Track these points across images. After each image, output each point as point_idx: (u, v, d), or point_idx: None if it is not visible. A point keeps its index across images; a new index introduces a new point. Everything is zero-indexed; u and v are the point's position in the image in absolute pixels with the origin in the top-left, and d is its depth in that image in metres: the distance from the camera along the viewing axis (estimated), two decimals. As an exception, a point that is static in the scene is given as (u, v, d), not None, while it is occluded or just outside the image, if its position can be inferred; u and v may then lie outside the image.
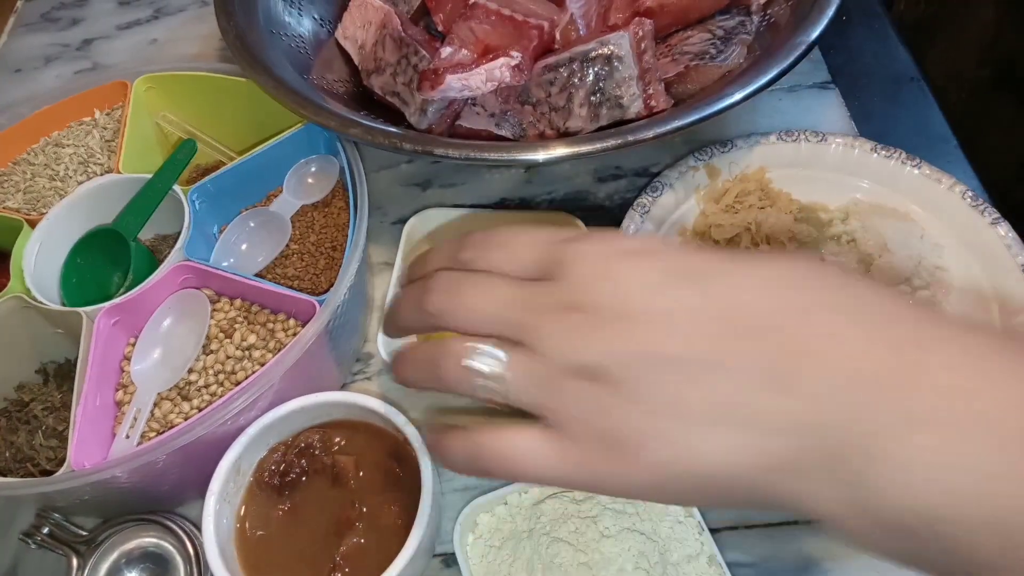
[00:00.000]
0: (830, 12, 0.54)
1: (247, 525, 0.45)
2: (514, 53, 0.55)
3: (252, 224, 0.59)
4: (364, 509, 0.45)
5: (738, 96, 0.50)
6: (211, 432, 0.44)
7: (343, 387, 0.57)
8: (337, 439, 0.47)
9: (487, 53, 0.55)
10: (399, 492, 0.45)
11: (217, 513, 0.43)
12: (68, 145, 0.62)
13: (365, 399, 0.46)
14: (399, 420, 0.45)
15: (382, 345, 0.53)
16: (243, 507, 0.46)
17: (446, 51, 0.56)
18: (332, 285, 0.49)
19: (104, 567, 0.48)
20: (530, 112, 0.58)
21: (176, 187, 0.56)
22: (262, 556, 0.45)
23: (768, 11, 0.61)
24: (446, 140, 0.51)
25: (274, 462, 0.47)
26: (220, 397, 0.48)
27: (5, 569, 0.51)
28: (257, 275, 0.56)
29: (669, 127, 0.49)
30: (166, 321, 0.52)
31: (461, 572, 0.45)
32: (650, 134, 0.49)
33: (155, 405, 0.50)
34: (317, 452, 0.46)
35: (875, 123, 0.66)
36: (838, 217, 0.56)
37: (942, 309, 0.52)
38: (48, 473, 0.46)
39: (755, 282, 0.27)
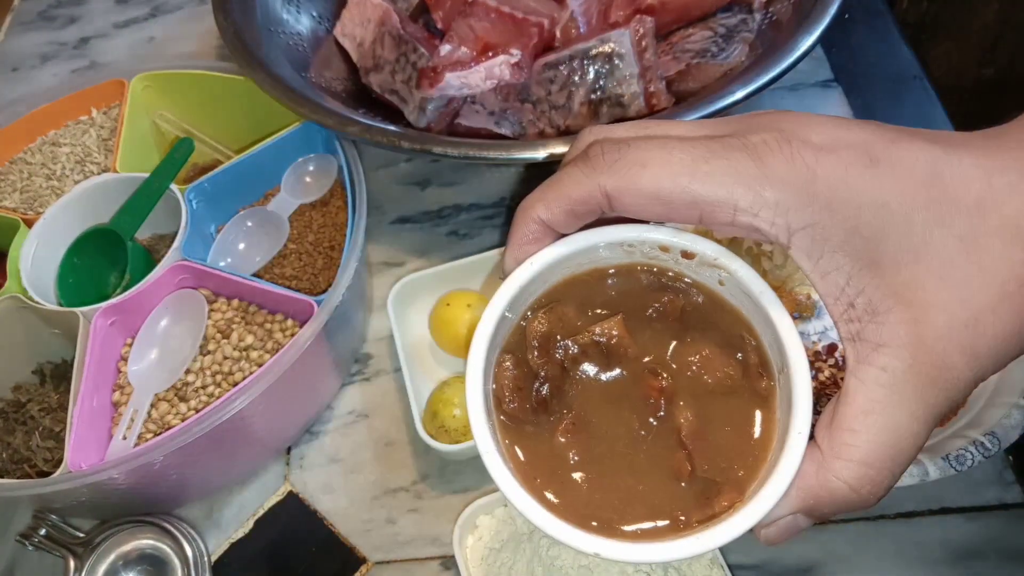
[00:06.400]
0: (833, 10, 0.53)
1: (534, 477, 0.29)
2: (514, 51, 0.54)
3: (250, 223, 0.59)
4: (667, 374, 0.30)
5: (740, 94, 0.50)
6: (208, 434, 0.44)
7: (340, 388, 0.57)
8: (567, 307, 0.32)
9: (487, 51, 0.55)
10: (697, 331, 0.31)
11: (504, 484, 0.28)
12: (65, 144, 0.62)
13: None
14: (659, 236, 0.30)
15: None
16: (513, 456, 0.30)
17: (445, 49, 0.56)
18: (330, 285, 0.49)
19: (101, 569, 0.48)
20: (530, 110, 0.57)
21: (173, 186, 0.56)
22: (580, 491, 0.29)
23: (770, 9, 0.60)
24: (445, 138, 0.51)
25: (511, 381, 0.31)
26: (218, 398, 0.48)
27: (2, 570, 0.51)
28: (255, 275, 0.56)
29: (670, 126, 0.49)
30: (163, 321, 0.52)
31: (460, 575, 0.45)
32: (651, 133, 0.49)
33: (152, 406, 0.49)
34: (559, 339, 0.31)
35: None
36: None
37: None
38: (45, 474, 0.45)
39: None
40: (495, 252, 0.56)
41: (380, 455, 0.54)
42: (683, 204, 0.26)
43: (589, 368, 0.31)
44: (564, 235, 0.30)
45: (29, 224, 0.54)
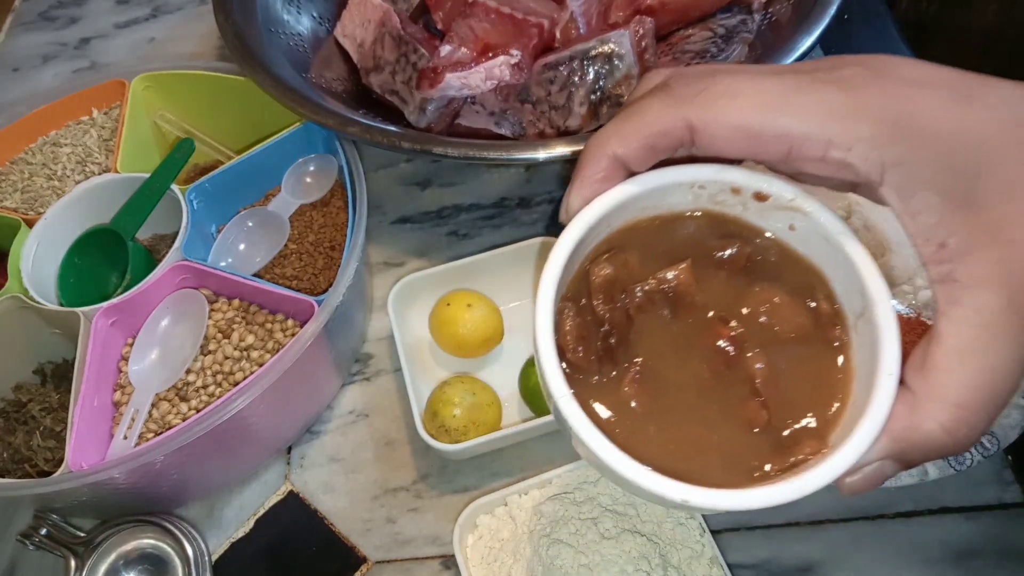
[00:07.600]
0: (832, 10, 0.54)
1: (607, 423, 0.28)
2: (514, 51, 0.54)
3: (250, 223, 0.59)
4: (736, 323, 0.29)
5: (739, 95, 0.50)
6: (209, 433, 0.44)
7: (341, 387, 0.57)
8: (630, 254, 0.30)
9: (487, 51, 0.55)
10: (766, 280, 0.29)
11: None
12: (66, 144, 0.62)
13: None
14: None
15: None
16: (585, 407, 0.27)
17: (445, 49, 0.56)
18: (331, 285, 0.49)
19: (102, 568, 0.48)
20: (530, 111, 0.57)
21: (174, 186, 0.56)
22: (651, 442, 0.27)
23: (770, 9, 0.60)
24: (445, 139, 0.51)
25: (574, 330, 0.29)
26: (218, 398, 0.48)
27: (3, 570, 0.51)
28: (255, 275, 0.56)
29: (670, 126, 0.49)
30: (164, 321, 0.52)
31: (461, 574, 0.45)
32: (651, 133, 0.49)
33: (153, 406, 0.49)
34: (623, 286, 0.30)
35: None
36: (839, 215, 0.56)
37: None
38: (46, 474, 0.45)
39: None
40: (496, 252, 0.56)
41: (380, 455, 0.54)
42: (772, 138, 0.25)
43: (655, 316, 0.29)
44: (634, 174, 0.28)
45: (30, 224, 0.54)
